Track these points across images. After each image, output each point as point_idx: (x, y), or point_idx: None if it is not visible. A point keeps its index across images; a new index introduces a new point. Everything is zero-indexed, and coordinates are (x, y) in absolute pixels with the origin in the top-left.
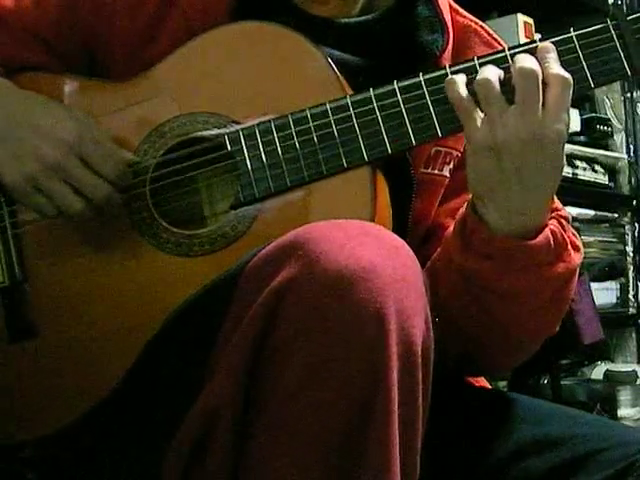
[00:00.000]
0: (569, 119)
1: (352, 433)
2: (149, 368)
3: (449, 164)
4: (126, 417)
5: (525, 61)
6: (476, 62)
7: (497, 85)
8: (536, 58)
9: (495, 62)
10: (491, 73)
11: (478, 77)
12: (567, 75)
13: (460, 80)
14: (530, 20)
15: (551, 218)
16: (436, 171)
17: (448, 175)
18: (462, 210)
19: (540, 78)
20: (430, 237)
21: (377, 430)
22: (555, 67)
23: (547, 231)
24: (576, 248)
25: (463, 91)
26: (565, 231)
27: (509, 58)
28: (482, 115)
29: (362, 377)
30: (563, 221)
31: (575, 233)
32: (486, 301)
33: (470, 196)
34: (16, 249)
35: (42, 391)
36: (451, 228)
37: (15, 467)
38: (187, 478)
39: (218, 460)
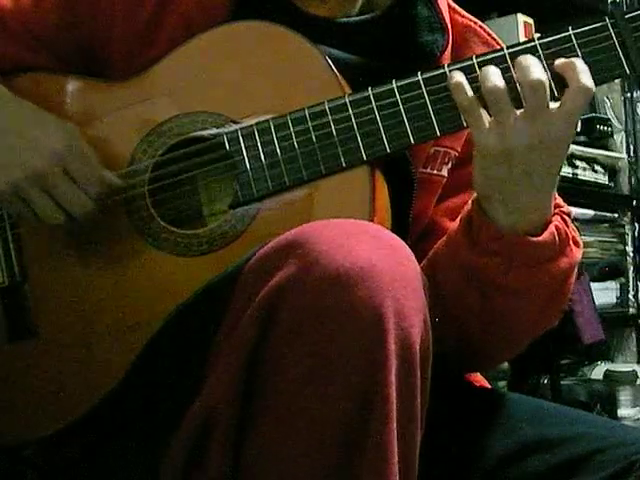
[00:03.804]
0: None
1: (351, 432)
2: (149, 368)
3: (447, 164)
4: (125, 417)
5: (532, 72)
6: (475, 61)
7: (506, 91)
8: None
9: (494, 61)
10: (498, 78)
11: (486, 83)
12: (592, 86)
13: (466, 83)
14: (530, 20)
15: (554, 214)
16: (435, 171)
17: (446, 175)
18: (466, 208)
19: (547, 85)
20: (426, 235)
21: (376, 429)
22: (584, 76)
23: (552, 227)
24: (577, 243)
25: (471, 95)
26: (567, 227)
27: (507, 57)
28: (490, 119)
29: (361, 376)
30: (565, 217)
31: (575, 229)
32: (491, 297)
33: (469, 195)
34: (15, 249)
35: (42, 391)
36: (453, 226)
37: (15, 467)
38: (187, 478)
39: (218, 458)
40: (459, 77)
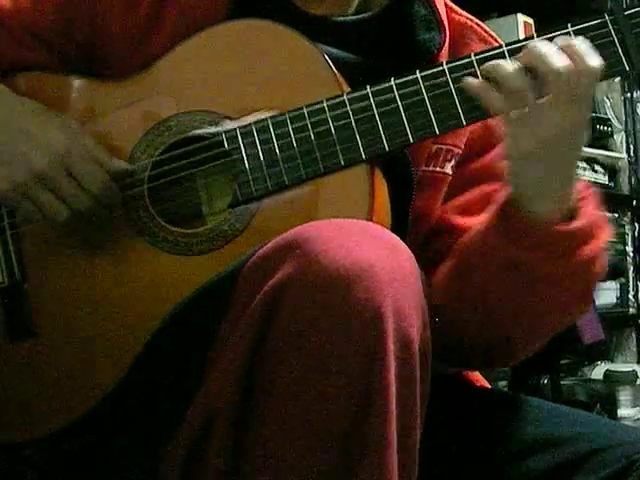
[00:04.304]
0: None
1: (350, 431)
2: (149, 367)
3: (450, 161)
4: (125, 416)
5: (557, 59)
6: (473, 58)
7: (530, 89)
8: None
9: (493, 58)
10: (521, 76)
11: (510, 83)
12: (597, 65)
13: (487, 87)
14: (530, 20)
15: (581, 198)
16: (438, 168)
17: (450, 172)
18: (496, 205)
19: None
20: (437, 234)
21: (375, 428)
22: (588, 57)
23: (584, 213)
24: (604, 223)
25: (499, 96)
26: (593, 206)
27: (506, 54)
28: (517, 117)
29: (360, 376)
30: (590, 196)
31: (598, 204)
32: (534, 288)
33: (478, 191)
34: (15, 249)
35: (42, 391)
36: (485, 222)
37: (15, 467)
38: (187, 476)
39: (218, 457)
40: (477, 81)
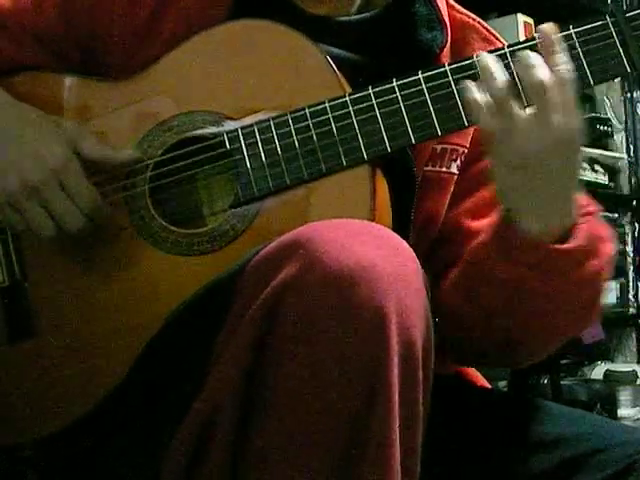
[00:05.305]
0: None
1: (353, 432)
2: (150, 367)
3: (456, 161)
4: (126, 417)
5: (537, 73)
6: (475, 60)
7: (513, 98)
8: (539, 53)
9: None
10: (504, 85)
11: (493, 92)
12: (570, 73)
13: (480, 98)
14: (530, 20)
15: (581, 215)
16: (443, 169)
17: (456, 172)
18: (494, 223)
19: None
20: (449, 239)
21: (378, 429)
22: (562, 66)
23: (582, 231)
24: (606, 240)
25: (486, 109)
26: (595, 226)
27: (508, 56)
28: (501, 127)
29: (362, 376)
30: (591, 216)
31: (602, 224)
32: (534, 304)
33: (487, 191)
34: (16, 249)
35: (42, 391)
36: (484, 238)
37: (15, 467)
38: (188, 476)
39: (218, 459)
40: (475, 94)
